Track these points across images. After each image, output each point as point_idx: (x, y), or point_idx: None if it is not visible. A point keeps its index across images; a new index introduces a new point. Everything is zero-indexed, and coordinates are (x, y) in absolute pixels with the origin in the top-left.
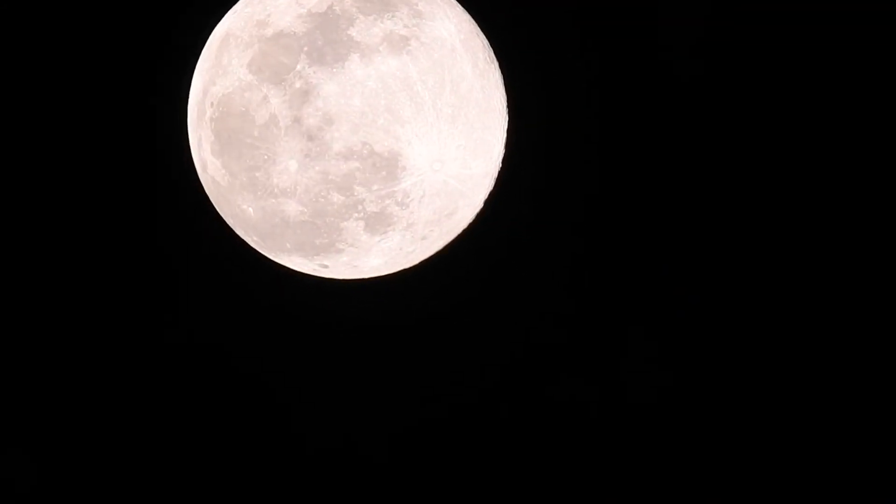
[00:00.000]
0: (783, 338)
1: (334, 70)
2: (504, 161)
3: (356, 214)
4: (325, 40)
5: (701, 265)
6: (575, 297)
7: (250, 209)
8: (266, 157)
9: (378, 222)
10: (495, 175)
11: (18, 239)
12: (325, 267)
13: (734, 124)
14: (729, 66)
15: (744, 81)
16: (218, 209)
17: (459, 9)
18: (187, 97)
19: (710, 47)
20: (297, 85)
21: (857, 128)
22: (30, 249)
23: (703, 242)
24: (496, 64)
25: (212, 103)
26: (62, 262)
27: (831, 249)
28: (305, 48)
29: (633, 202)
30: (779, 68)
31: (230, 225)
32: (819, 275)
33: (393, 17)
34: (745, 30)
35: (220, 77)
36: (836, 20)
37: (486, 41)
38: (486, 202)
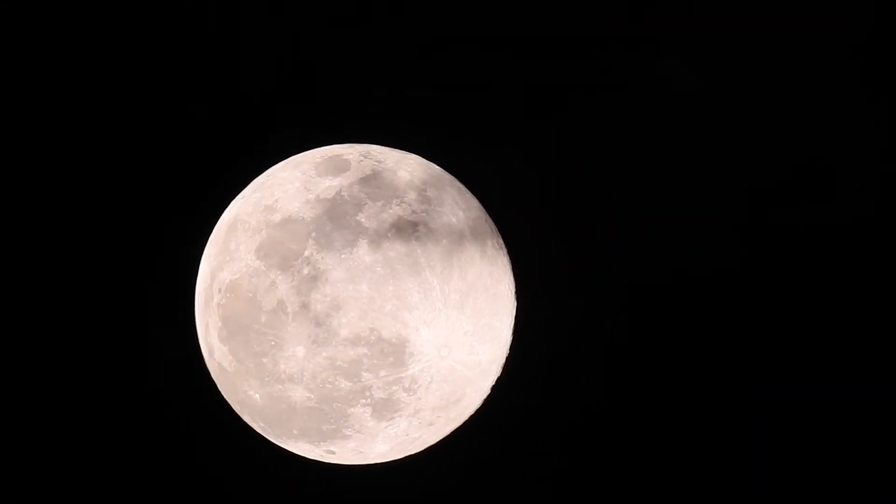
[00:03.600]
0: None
1: (342, 256)
2: (511, 347)
3: (363, 400)
4: (334, 226)
5: None
6: (585, 483)
7: (257, 395)
8: (273, 343)
9: (385, 408)
10: (503, 361)
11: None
12: (332, 453)
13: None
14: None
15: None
16: (224, 395)
17: (469, 195)
18: (195, 283)
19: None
20: (305, 271)
21: None
22: (42, 442)
23: None
24: (505, 250)
25: (219, 289)
26: (73, 446)
27: None
28: (314, 234)
29: (636, 394)
30: None
31: (236, 411)
32: None
33: (402, 202)
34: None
35: (227, 263)
36: None
37: (494, 227)
38: (493, 388)
